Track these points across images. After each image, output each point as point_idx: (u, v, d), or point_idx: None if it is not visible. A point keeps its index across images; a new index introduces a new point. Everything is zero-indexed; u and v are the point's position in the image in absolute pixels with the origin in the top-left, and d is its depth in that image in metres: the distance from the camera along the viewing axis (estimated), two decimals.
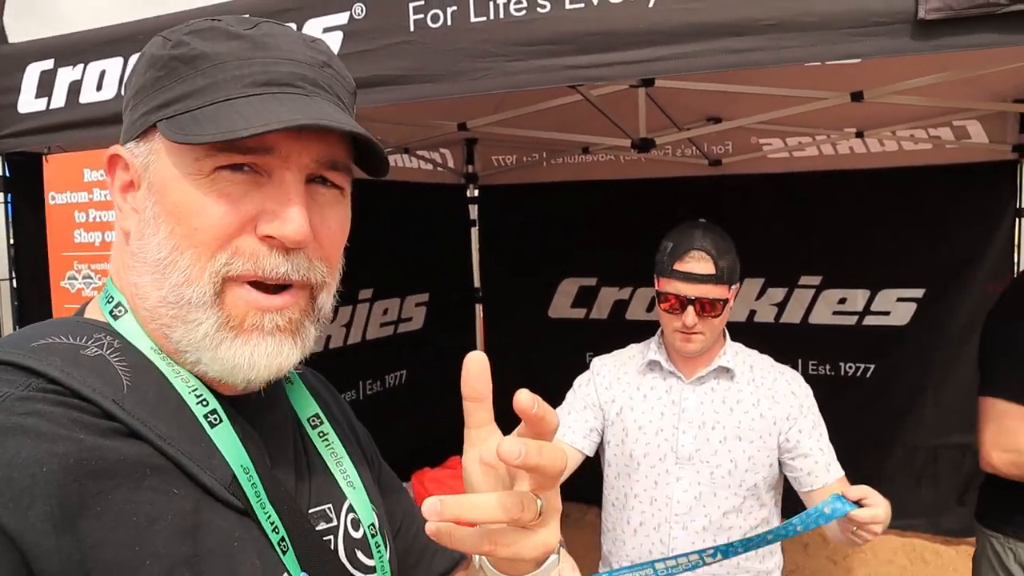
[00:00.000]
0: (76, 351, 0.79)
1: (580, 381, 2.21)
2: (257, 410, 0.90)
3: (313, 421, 1.00)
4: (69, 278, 3.87)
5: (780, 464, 2.04)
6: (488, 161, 5.19)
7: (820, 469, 1.99)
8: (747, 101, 3.57)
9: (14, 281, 2.42)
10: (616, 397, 2.10)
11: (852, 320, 4.42)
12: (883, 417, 4.32)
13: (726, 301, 2.00)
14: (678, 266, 2.00)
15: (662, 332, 2.14)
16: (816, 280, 4.46)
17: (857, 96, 3.04)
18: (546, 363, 4.23)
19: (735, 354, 2.11)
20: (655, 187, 4.70)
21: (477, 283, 5.35)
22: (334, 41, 1.85)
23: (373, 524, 0.97)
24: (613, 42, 1.67)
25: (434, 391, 4.98)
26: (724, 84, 3.17)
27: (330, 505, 0.94)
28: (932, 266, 4.27)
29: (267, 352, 0.82)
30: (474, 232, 5.31)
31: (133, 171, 0.85)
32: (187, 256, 0.79)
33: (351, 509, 0.95)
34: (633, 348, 2.24)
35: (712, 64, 1.64)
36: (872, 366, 4.31)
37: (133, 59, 1.95)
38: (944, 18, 1.43)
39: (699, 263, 1.97)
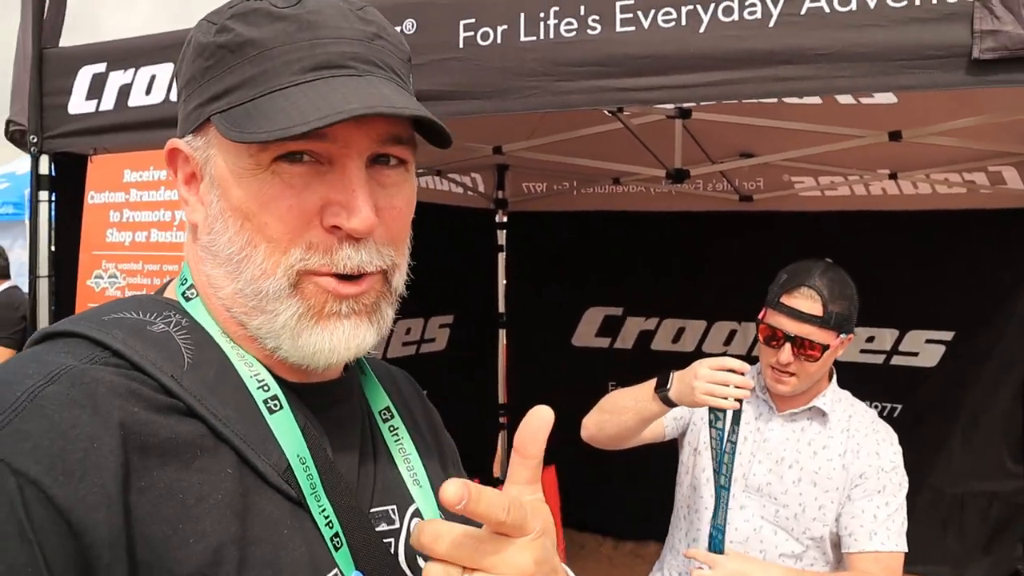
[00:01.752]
0: (143, 326, 0.80)
1: None
2: (325, 401, 0.89)
3: (384, 415, 0.99)
4: (95, 277, 3.87)
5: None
6: (518, 188, 5.21)
7: (862, 533, 1.86)
8: (781, 137, 3.57)
9: (53, 279, 2.44)
10: (695, 414, 2.11)
11: (880, 359, 4.37)
12: (908, 460, 4.23)
13: (827, 347, 1.90)
14: (785, 300, 1.92)
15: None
16: None
17: (895, 135, 3.04)
18: (568, 391, 4.18)
19: (837, 400, 2.02)
20: (685, 220, 4.69)
21: (502, 308, 5.34)
22: None
23: None
24: (662, 66, 1.68)
25: (453, 413, 4.97)
26: (760, 119, 3.17)
27: (394, 507, 0.91)
28: (962, 309, 4.22)
29: (346, 336, 0.82)
30: (501, 257, 5.32)
31: (194, 163, 0.85)
32: (261, 251, 0.79)
33: (417, 513, 0.93)
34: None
35: (761, 92, 1.65)
36: (899, 406, 4.26)
37: None
38: (999, 58, 1.43)
39: (807, 301, 1.89)
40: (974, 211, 4.16)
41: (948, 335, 4.26)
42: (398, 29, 1.90)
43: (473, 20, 1.82)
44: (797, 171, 4.42)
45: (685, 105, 2.96)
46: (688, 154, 3.22)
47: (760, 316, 2.00)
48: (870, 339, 4.39)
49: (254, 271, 0.79)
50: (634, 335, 4.98)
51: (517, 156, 3.65)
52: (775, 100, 2.19)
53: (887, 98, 3.14)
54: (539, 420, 0.71)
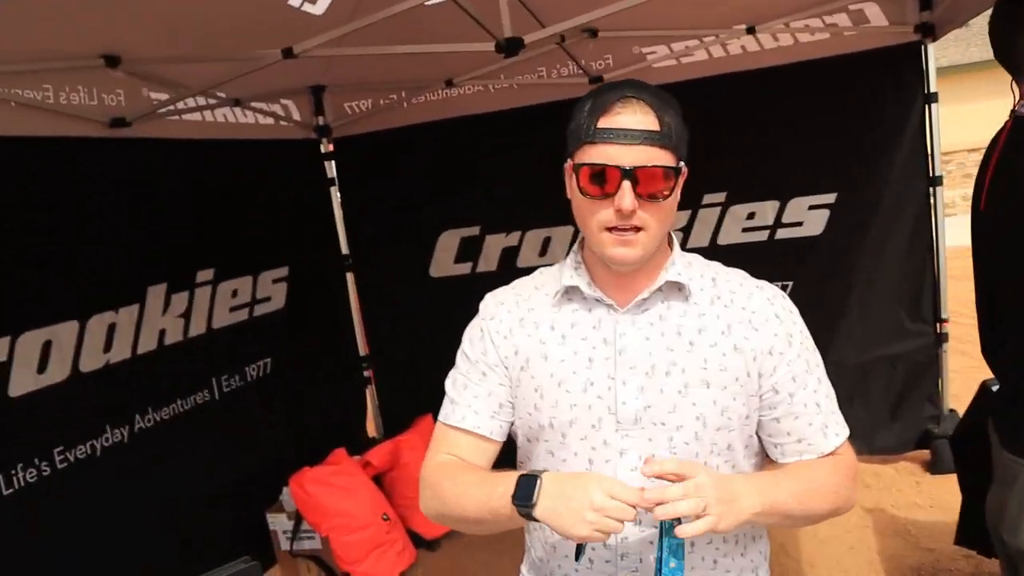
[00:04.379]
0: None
1: (470, 334, 1.51)
2: None
3: None
4: None
5: (758, 424, 1.42)
6: (340, 110, 4.53)
7: (815, 434, 1.37)
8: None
9: None
10: (520, 346, 1.44)
11: (763, 236, 4.02)
12: None
13: (677, 173, 1.30)
14: (604, 122, 1.28)
15: (580, 246, 1.46)
16: (720, 197, 4.04)
17: None
18: (434, 329, 3.62)
19: (688, 265, 1.42)
20: (532, 116, 4.15)
21: (345, 249, 4.70)
22: None
23: None
24: None
25: (306, 378, 4.34)
26: None
27: None
28: (842, 168, 3.89)
29: None
30: (334, 192, 4.65)
31: None
32: None
33: None
34: (541, 274, 1.54)
35: None
36: (791, 283, 3.92)
37: None
38: None
39: (636, 115, 1.27)
40: (839, 58, 3.79)
41: (830, 198, 3.93)
42: None
43: None
44: (648, 41, 3.94)
45: None
46: (519, 25, 2.64)
47: (572, 162, 1.35)
48: (751, 216, 4.02)
49: None
50: (497, 255, 4.46)
51: (322, 53, 2.93)
52: None
53: None
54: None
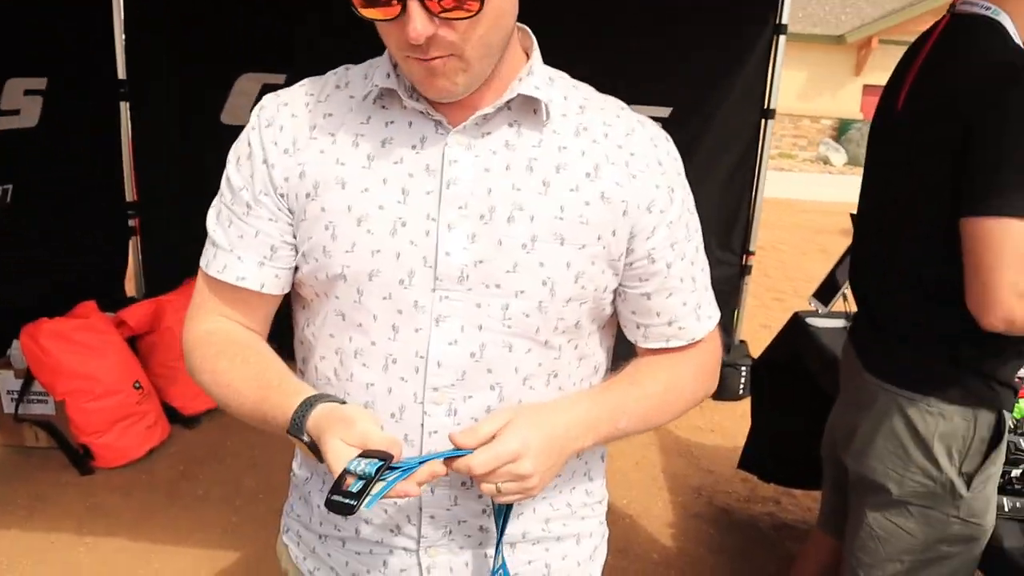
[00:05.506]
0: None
1: (236, 151, 1.08)
2: None
3: None
4: None
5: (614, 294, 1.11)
6: None
7: (687, 315, 1.10)
8: None
9: None
10: (308, 165, 1.02)
11: None
12: None
13: None
14: None
15: None
16: None
17: None
18: (217, 184, 3.12)
19: (548, 81, 1.05)
20: None
21: (123, 73, 3.98)
22: None
23: None
24: None
25: (54, 213, 3.70)
26: None
27: None
28: (680, 84, 3.77)
29: None
30: (118, 6, 3.90)
31: None
32: None
33: None
34: (347, 71, 1.09)
35: None
36: None
37: None
38: None
39: None
40: None
41: (665, 112, 3.79)
42: None
43: None
44: None
45: None
46: None
47: None
48: None
49: None
50: None
51: None
52: None
53: None
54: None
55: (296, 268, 1.06)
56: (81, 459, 3.14)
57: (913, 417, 1.57)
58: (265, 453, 3.26)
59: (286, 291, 1.08)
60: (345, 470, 0.83)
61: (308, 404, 0.92)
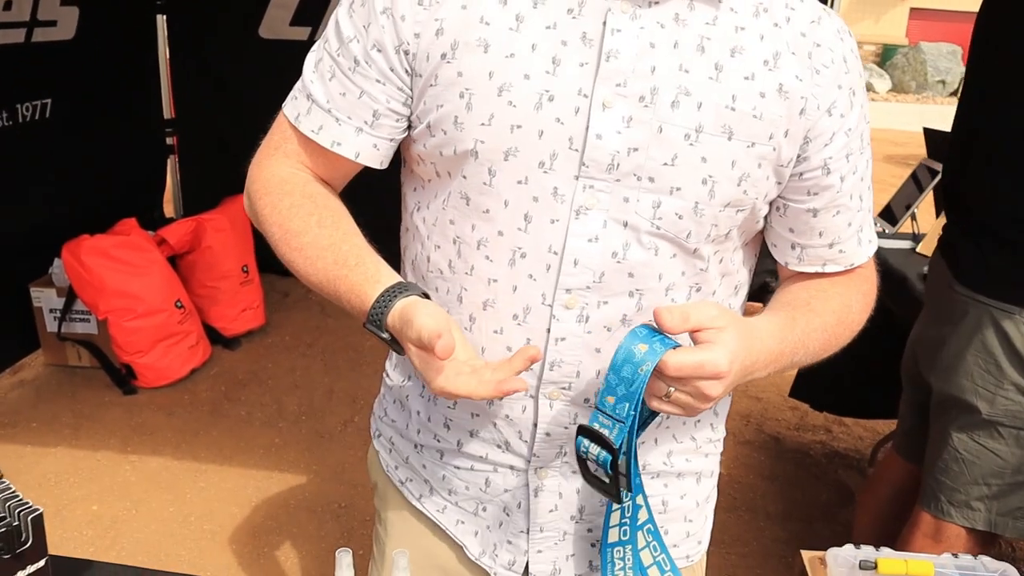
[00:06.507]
0: None
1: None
2: None
3: None
4: None
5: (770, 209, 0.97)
6: None
7: (850, 237, 0.98)
8: None
9: None
10: (447, 21, 0.88)
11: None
12: None
13: None
14: None
15: None
16: None
17: None
18: (255, 100, 3.03)
19: None
20: None
21: None
22: None
23: None
24: None
25: (95, 130, 3.59)
26: None
27: None
28: None
29: None
30: None
31: None
32: None
33: None
34: None
35: None
36: None
37: None
38: None
39: None
40: None
41: None
42: None
43: None
44: None
45: None
46: None
47: None
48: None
49: None
50: None
51: None
52: None
53: None
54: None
55: (411, 142, 0.94)
56: (124, 379, 3.13)
57: (1008, 330, 1.47)
58: (306, 376, 3.23)
59: (383, 166, 0.95)
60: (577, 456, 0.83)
61: (390, 296, 0.82)
